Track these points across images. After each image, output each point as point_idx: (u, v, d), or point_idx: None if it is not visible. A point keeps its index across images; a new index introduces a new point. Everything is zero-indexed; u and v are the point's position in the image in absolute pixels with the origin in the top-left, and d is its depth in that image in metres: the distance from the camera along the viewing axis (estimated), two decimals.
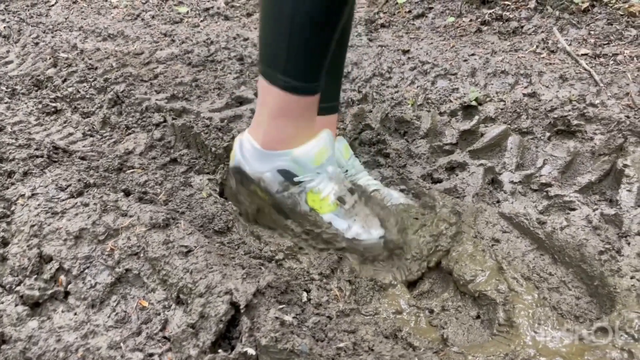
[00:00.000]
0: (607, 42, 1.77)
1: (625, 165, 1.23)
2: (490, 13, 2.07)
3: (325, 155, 1.11)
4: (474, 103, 1.60)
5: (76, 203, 1.14)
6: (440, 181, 1.42)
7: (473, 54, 1.87)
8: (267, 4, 1.00)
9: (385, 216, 1.11)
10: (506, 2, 2.11)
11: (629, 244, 1.09)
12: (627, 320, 0.88)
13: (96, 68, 2.18)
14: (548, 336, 0.91)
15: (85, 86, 2.05)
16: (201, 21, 2.62)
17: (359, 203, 1.12)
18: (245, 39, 2.31)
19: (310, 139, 1.10)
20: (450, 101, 1.67)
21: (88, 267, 0.97)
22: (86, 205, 1.12)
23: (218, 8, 2.68)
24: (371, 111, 1.71)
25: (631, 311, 0.90)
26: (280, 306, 0.83)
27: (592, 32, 1.83)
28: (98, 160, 1.49)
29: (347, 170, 1.27)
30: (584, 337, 0.90)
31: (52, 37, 2.74)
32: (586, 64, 1.66)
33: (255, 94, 1.86)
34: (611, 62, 1.65)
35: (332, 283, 1.01)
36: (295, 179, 1.11)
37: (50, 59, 2.36)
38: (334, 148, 1.15)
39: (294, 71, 1.02)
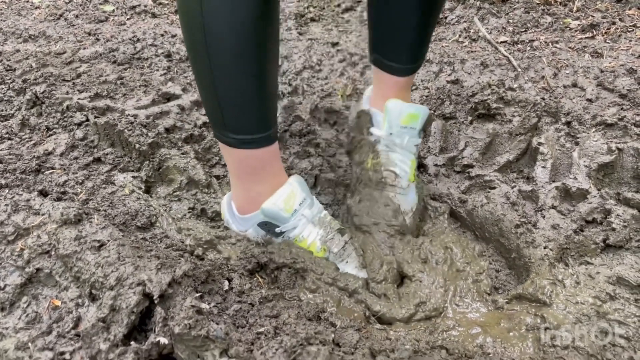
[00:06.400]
0: (524, 29, 1.85)
1: (540, 144, 1.28)
2: None
3: (297, 200, 1.04)
4: None
5: None
6: None
7: None
8: (191, 63, 0.95)
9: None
10: None
11: (544, 217, 1.13)
12: (539, 287, 0.92)
13: (15, 69, 2.08)
14: (468, 307, 0.93)
15: (3, 88, 1.95)
16: (127, 19, 2.54)
17: (349, 244, 1.06)
18: (173, 36, 2.26)
19: (277, 189, 1.04)
20: None
21: None
22: None
23: (145, 5, 2.61)
24: (301, 103, 1.71)
25: (543, 278, 0.93)
26: (198, 294, 0.81)
27: (510, 21, 1.91)
28: (15, 163, 1.42)
29: (391, 134, 1.17)
30: (501, 306, 0.93)
31: None
32: (505, 50, 1.72)
33: (184, 89, 1.82)
34: (528, 48, 1.72)
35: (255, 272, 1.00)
36: (277, 230, 1.06)
37: None
38: (307, 189, 1.08)
39: (235, 125, 0.96)
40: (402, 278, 1.04)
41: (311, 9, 2.29)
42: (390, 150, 1.18)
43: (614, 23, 1.75)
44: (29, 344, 0.77)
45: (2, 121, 1.80)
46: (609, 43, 1.66)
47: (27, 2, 3.04)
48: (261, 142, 0.99)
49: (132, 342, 0.73)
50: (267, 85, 0.95)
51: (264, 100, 0.95)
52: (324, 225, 1.07)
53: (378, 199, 1.13)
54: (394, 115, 1.15)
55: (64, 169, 1.42)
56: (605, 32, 1.72)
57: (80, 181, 1.33)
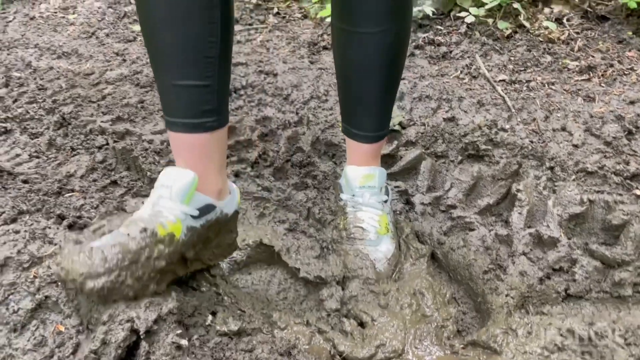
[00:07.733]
0: (524, 68, 1.91)
1: (518, 190, 1.35)
2: (424, 37, 2.19)
3: None
4: (397, 127, 1.71)
5: (8, 230, 1.22)
6: None
7: (403, 78, 1.99)
8: None
9: None
10: (439, 27, 2.23)
11: (514, 263, 1.21)
12: (492, 335, 1.00)
13: (46, 89, 2.24)
14: (426, 350, 1.02)
15: (34, 107, 2.11)
16: None
17: None
18: None
19: None
20: None
21: (12, 294, 1.05)
22: (17, 232, 1.20)
23: None
24: (304, 133, 1.81)
25: (497, 327, 1.01)
26: (179, 331, 0.92)
27: (512, 58, 1.97)
28: (40, 183, 1.57)
29: (353, 195, 1.32)
30: (456, 350, 1.01)
31: (8, 54, 2.78)
32: (502, 90, 1.79)
33: None
34: (524, 88, 1.79)
35: (240, 304, 1.10)
36: None
37: (2, 78, 2.41)
38: None
39: (163, 104, 1.01)
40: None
41: (325, 36, 2.39)
42: (357, 210, 1.31)
43: (611, 65, 1.80)
44: None
45: (32, 139, 1.96)
46: (603, 87, 1.72)
47: (63, 17, 3.23)
48: (170, 126, 0.99)
49: None
50: (170, 76, 0.94)
51: (168, 87, 0.96)
52: None
53: (349, 251, 1.24)
54: (351, 178, 1.31)
55: (83, 192, 1.56)
56: (602, 75, 1.77)
57: (95, 205, 1.46)
